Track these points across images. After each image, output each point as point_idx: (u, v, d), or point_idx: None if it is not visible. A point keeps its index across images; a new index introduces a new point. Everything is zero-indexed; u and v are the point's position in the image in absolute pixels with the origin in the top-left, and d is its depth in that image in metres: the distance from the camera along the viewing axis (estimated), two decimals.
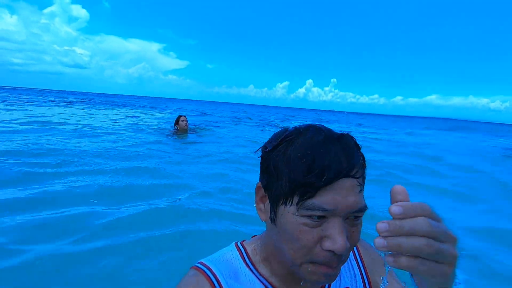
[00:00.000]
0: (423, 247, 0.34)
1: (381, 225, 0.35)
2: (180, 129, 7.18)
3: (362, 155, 0.51)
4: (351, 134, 0.52)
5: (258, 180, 0.58)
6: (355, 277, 0.65)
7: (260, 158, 0.56)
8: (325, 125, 0.54)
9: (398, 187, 0.38)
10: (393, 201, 0.37)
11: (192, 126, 7.56)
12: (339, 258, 0.48)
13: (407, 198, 0.38)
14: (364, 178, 0.50)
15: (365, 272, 0.66)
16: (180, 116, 7.30)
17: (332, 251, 0.47)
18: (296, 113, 42.20)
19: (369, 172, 0.53)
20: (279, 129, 0.56)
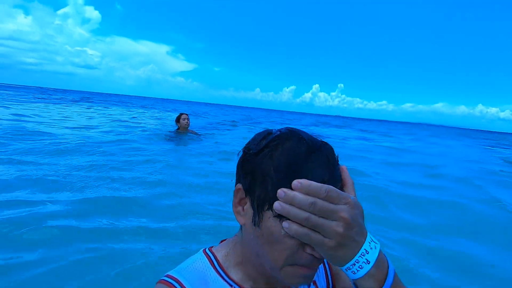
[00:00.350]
0: (302, 219, 0.44)
1: (280, 192, 0.45)
2: (181, 128, 6.78)
3: (339, 167, 0.53)
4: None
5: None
6: (319, 275, 0.67)
7: (241, 159, 0.55)
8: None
9: (343, 167, 0.53)
10: None
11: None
12: (319, 260, 0.50)
13: (346, 175, 0.52)
14: (342, 188, 0.52)
15: (329, 269, 0.69)
16: (181, 114, 6.79)
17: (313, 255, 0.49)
18: (296, 117, 41.51)
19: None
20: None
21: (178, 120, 6.78)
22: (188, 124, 6.78)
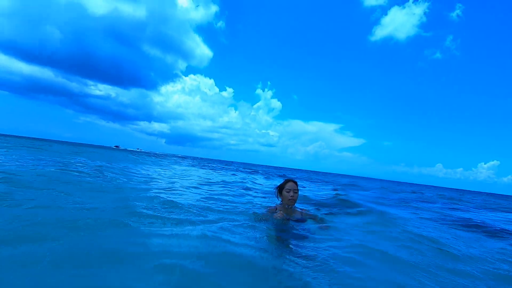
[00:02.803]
0: None
1: None
2: (284, 203, 3.92)
3: None
4: None
5: None
6: None
7: None
8: None
9: None
10: None
11: (301, 209, 4.18)
12: None
13: None
14: None
15: None
16: (287, 182, 3.91)
17: None
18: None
19: None
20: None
21: (280, 190, 3.97)
22: (294, 200, 3.87)
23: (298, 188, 3.94)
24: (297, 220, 3.78)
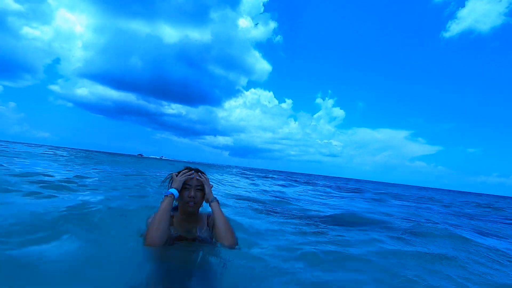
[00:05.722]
0: None
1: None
2: (181, 208, 2.11)
3: None
4: None
5: None
6: None
7: None
8: None
9: None
10: None
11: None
12: None
13: None
14: None
15: None
16: (187, 170, 2.17)
17: None
18: None
19: None
20: None
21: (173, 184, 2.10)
22: (196, 204, 2.09)
23: (207, 180, 2.21)
24: (203, 241, 2.11)
